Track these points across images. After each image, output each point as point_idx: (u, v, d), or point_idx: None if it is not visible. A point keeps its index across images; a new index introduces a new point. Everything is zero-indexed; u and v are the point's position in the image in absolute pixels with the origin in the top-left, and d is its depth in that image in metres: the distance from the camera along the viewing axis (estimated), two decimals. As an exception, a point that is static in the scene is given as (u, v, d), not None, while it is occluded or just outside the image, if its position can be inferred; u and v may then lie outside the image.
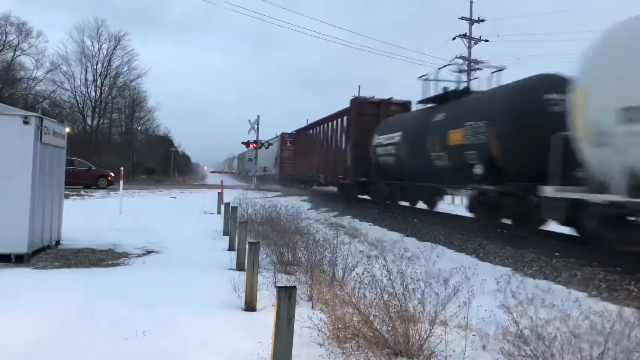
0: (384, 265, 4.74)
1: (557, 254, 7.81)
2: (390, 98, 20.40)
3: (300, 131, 34.13)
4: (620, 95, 6.80)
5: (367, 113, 19.85)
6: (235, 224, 9.39)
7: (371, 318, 4.11)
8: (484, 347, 3.78)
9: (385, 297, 4.19)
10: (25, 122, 7.73)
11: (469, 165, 11.46)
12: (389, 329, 3.99)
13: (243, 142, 37.32)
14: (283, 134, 37.36)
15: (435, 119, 13.54)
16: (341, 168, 20.99)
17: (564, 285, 6.32)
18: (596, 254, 7.48)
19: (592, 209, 7.49)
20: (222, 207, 13.56)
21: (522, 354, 3.27)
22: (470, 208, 12.18)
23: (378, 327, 4.04)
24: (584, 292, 5.99)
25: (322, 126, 25.78)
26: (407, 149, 15.11)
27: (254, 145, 35.83)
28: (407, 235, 11.19)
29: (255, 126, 35.98)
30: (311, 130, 29.04)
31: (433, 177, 13.95)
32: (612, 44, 7.40)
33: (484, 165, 11.04)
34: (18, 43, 40.97)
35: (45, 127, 8.07)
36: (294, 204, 15.30)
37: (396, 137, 16.06)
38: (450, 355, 3.76)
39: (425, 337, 3.92)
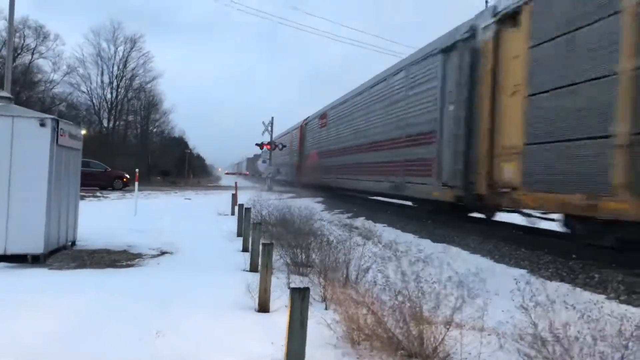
0: (398, 267, 4.71)
1: (574, 256, 7.69)
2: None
3: None
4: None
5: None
6: (249, 225, 9.41)
7: (385, 319, 4.08)
8: (500, 347, 3.73)
9: (400, 298, 4.15)
10: (42, 125, 7.82)
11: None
12: (403, 330, 3.95)
13: (257, 144, 37.49)
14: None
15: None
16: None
17: (581, 288, 6.21)
18: (615, 257, 7.36)
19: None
20: (236, 208, 13.60)
21: (540, 356, 3.22)
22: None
23: (392, 328, 4.01)
24: (602, 294, 5.89)
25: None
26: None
27: (268, 147, 35.92)
28: (421, 237, 11.11)
29: (270, 128, 36.06)
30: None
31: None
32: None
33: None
34: (36, 46, 41.71)
35: (61, 129, 8.16)
36: (307, 206, 15.29)
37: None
38: (466, 358, 3.71)
39: (440, 339, 3.87)
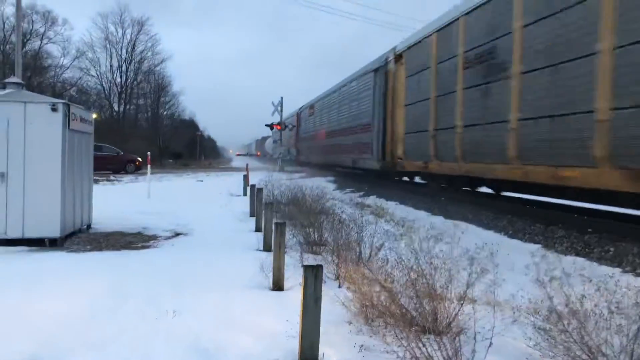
0: (410, 244, 4.71)
1: (589, 229, 7.64)
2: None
3: None
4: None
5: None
6: (261, 205, 9.44)
7: (398, 296, 4.09)
8: (515, 321, 3.73)
9: (413, 275, 4.15)
10: (53, 110, 7.86)
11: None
12: (417, 306, 3.96)
13: (267, 125, 37.48)
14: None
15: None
16: None
17: (596, 262, 6.18)
18: (632, 230, 7.29)
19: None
20: (248, 189, 13.65)
21: (556, 329, 3.21)
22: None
23: (405, 305, 4.02)
24: (618, 267, 5.85)
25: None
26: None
27: (278, 127, 35.87)
28: (434, 214, 11.08)
29: (279, 108, 35.94)
30: None
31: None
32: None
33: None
34: (44, 32, 41.73)
35: (72, 113, 8.19)
36: (319, 185, 15.31)
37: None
38: (479, 332, 3.71)
39: (453, 314, 3.88)
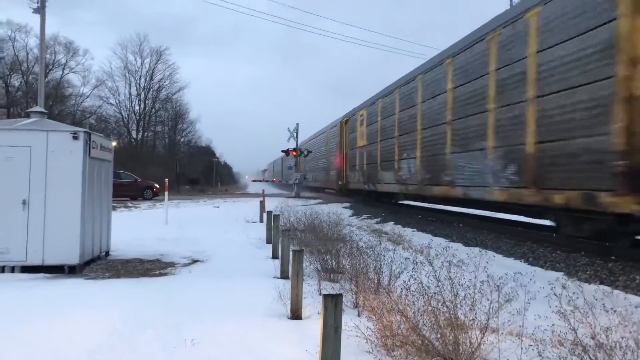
0: (430, 272, 4.64)
1: (613, 257, 7.48)
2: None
3: None
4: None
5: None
6: (277, 232, 9.43)
7: (419, 325, 4.02)
8: (539, 355, 3.63)
9: (434, 303, 4.09)
10: (75, 138, 8.01)
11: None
12: (438, 336, 3.89)
13: (283, 151, 37.71)
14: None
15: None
16: None
17: (622, 290, 6.03)
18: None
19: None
20: (264, 215, 13.66)
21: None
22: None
23: (427, 334, 3.95)
24: (644, 296, 5.70)
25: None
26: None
27: (294, 153, 36.05)
28: (453, 241, 10.97)
29: (295, 134, 36.19)
30: None
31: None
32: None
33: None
34: (66, 62, 42.93)
35: (93, 141, 8.34)
36: (335, 211, 15.27)
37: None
38: (504, 364, 3.63)
39: (476, 344, 3.80)
